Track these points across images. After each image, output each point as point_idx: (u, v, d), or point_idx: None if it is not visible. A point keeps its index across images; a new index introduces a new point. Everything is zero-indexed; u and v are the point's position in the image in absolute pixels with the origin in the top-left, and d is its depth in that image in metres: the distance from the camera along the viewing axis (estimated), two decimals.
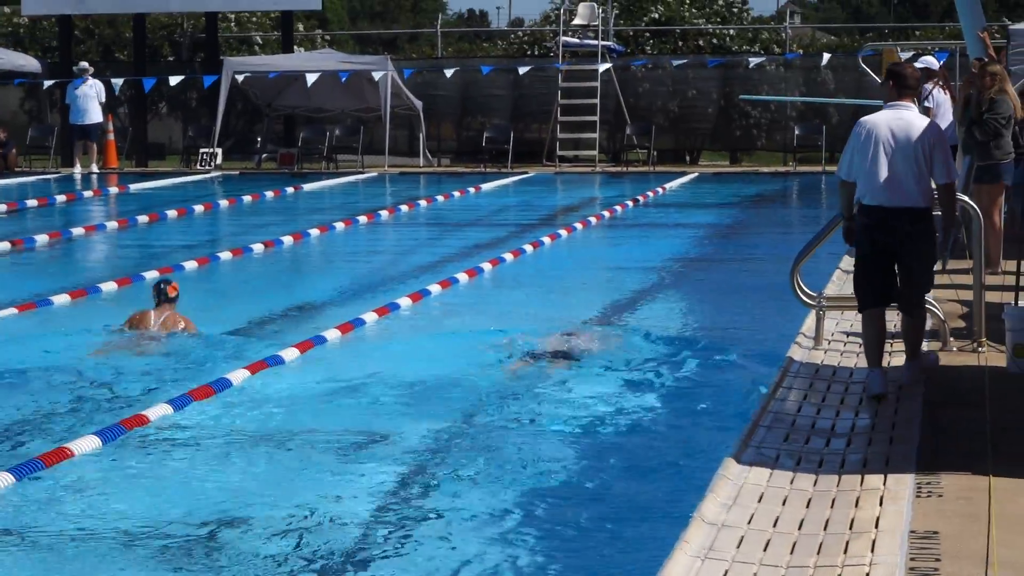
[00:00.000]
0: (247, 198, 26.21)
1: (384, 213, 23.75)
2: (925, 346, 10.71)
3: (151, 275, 15.68)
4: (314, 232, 20.82)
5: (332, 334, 12.59)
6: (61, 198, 26.79)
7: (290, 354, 11.70)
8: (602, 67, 32.58)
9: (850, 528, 7.04)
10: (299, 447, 9.18)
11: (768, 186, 29.37)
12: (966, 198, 11.48)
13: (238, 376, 10.85)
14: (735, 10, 39.11)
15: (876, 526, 7.02)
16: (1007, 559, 6.47)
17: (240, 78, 32.85)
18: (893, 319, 10.88)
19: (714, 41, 37.12)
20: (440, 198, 26.23)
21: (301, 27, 42.57)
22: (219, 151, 32.26)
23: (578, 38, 34.20)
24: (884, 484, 7.72)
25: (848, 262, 14.99)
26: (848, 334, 11.95)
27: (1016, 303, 10.72)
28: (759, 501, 7.51)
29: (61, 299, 14.64)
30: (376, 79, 32.21)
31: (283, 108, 34.69)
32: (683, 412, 10.04)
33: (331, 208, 25.59)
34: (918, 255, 9.91)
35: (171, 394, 10.32)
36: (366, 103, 33.43)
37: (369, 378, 11.01)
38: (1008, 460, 8.02)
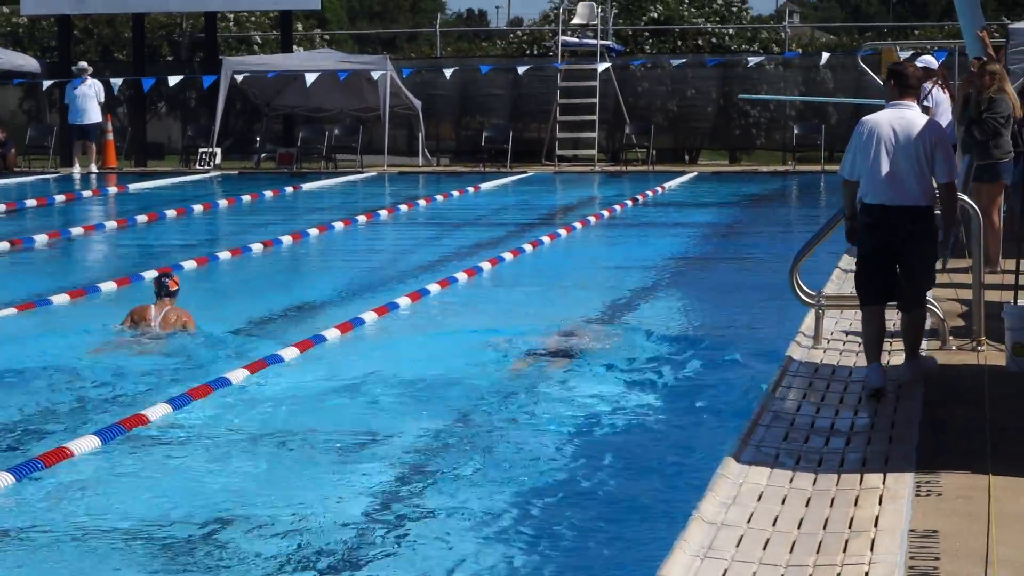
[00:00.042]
0: (246, 198, 26.21)
1: (383, 213, 23.75)
2: (925, 345, 10.71)
3: (150, 275, 15.67)
4: (313, 232, 20.82)
5: (332, 333, 12.59)
6: (60, 198, 26.78)
7: (290, 353, 11.71)
8: (601, 66, 32.57)
9: (849, 527, 7.04)
10: (299, 446, 9.18)
11: (767, 185, 29.37)
12: (965, 197, 11.48)
13: (238, 375, 10.86)
14: (734, 9, 39.11)
15: (875, 525, 7.02)
16: (1006, 558, 6.47)
17: (239, 78, 32.85)
18: (892, 318, 10.88)
19: (713, 40, 37.13)
20: (439, 198, 26.23)
21: (300, 27, 42.57)
22: (218, 151, 32.24)
23: (577, 37, 34.20)
24: (883, 483, 7.72)
25: (847, 261, 15.00)
26: (847, 333, 11.95)
27: (1015, 302, 10.71)
28: (758, 500, 7.51)
29: (60, 299, 14.64)
30: (375, 79, 32.21)
31: (282, 108, 34.69)
32: (682, 411, 10.04)
33: (330, 208, 25.60)
34: (919, 254, 9.92)
35: (171, 393, 10.32)
36: (365, 103, 33.43)
37: (368, 377, 11.01)
38: (1007, 459, 8.02)
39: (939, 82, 16.19)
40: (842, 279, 14.43)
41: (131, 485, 8.40)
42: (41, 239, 20.08)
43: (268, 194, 26.97)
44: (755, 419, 9.10)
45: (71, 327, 12.97)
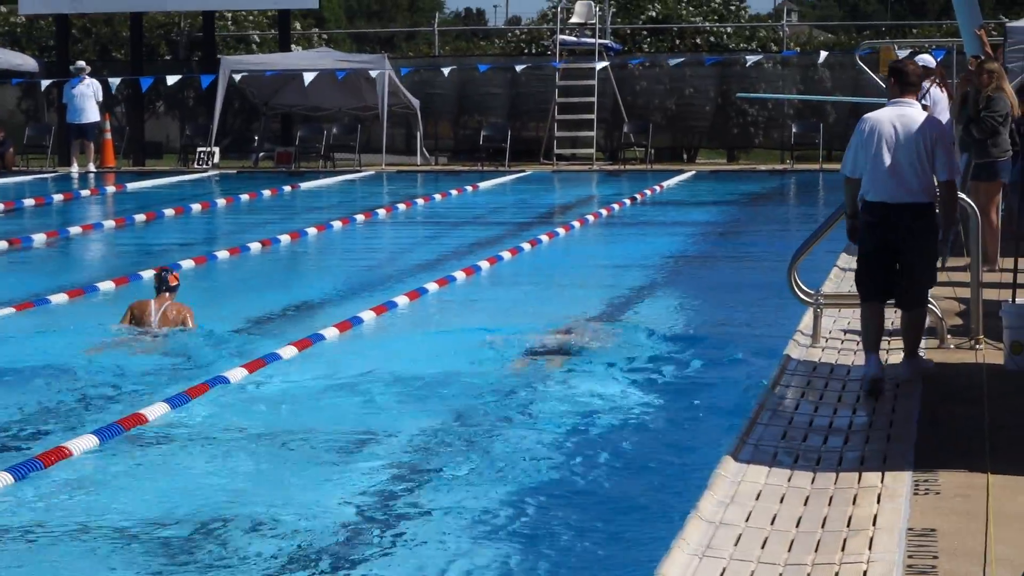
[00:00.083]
0: (244, 197, 26.20)
1: (381, 212, 23.75)
2: (923, 343, 10.71)
3: (148, 274, 15.67)
4: (312, 231, 20.82)
5: (330, 332, 12.59)
6: (58, 197, 26.77)
7: (288, 352, 11.71)
8: (599, 65, 32.57)
9: (848, 526, 7.03)
10: (297, 445, 9.18)
11: (765, 184, 29.37)
12: (964, 196, 11.48)
13: (236, 374, 10.85)
14: (732, 8, 39.11)
15: (874, 524, 7.02)
16: (1005, 556, 6.47)
17: (237, 77, 32.85)
18: (892, 317, 10.88)
19: (711, 39, 37.12)
20: (437, 196, 26.23)
21: (298, 26, 42.57)
22: (216, 150, 32.24)
23: (575, 36, 34.19)
24: (882, 481, 7.72)
25: (845, 259, 15.01)
26: (846, 331, 11.95)
27: (1013, 301, 10.72)
28: (757, 499, 7.51)
29: (59, 298, 14.63)
30: (373, 78, 32.20)
31: (280, 107, 34.68)
32: (680, 410, 10.04)
33: (328, 207, 25.61)
34: (920, 252, 9.92)
35: (169, 392, 10.32)
36: (363, 102, 33.42)
37: (367, 376, 11.01)
38: (1006, 457, 8.02)
39: (937, 81, 16.19)
40: (840, 277, 14.43)
41: (129, 484, 8.40)
42: (39, 238, 20.08)
43: (266, 193, 26.97)
44: (753, 418, 9.10)
45: (69, 326, 12.97)
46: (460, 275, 16.07)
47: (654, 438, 9.33)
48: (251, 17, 41.12)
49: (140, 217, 22.70)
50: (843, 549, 6.69)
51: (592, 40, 33.34)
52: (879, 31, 41.81)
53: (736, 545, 6.79)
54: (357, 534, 7.49)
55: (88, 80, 31.58)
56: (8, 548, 7.27)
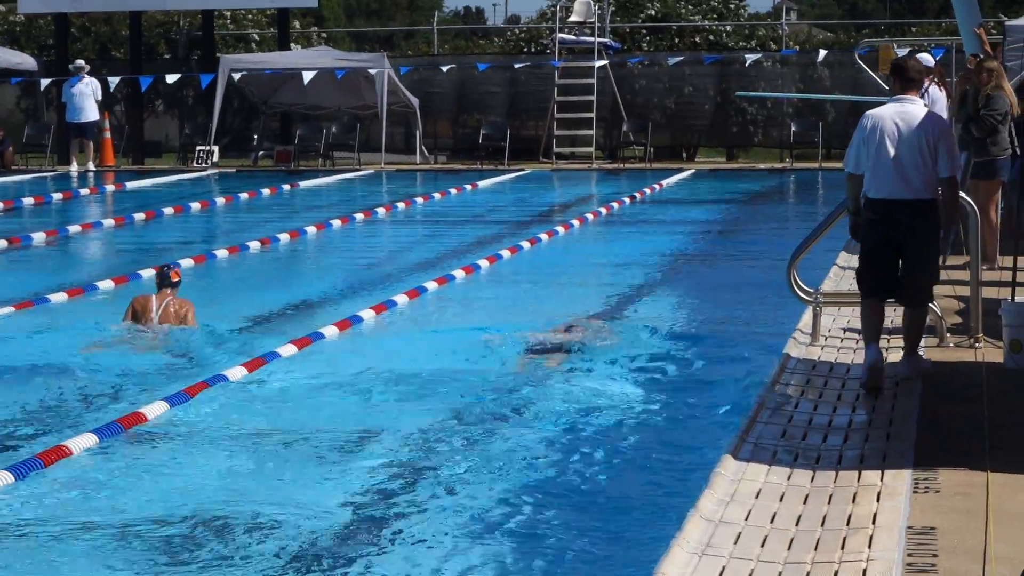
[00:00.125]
0: (244, 195, 26.20)
1: (381, 210, 23.75)
2: (923, 342, 10.71)
3: (148, 273, 15.67)
4: (311, 229, 20.82)
5: (330, 331, 12.59)
6: (58, 196, 26.77)
7: (288, 351, 11.71)
8: (598, 64, 32.56)
9: (847, 524, 7.04)
10: (297, 443, 9.18)
11: (764, 182, 29.37)
12: (963, 194, 11.48)
13: (236, 373, 10.85)
14: (731, 7, 39.11)
15: (873, 522, 7.02)
16: (1004, 554, 6.47)
17: (236, 76, 32.84)
18: (892, 315, 10.88)
19: (710, 38, 37.12)
20: (437, 195, 26.23)
21: (297, 24, 42.54)
22: (215, 149, 32.24)
23: (574, 35, 34.19)
24: (881, 480, 7.72)
25: (845, 258, 15.02)
26: (845, 330, 11.95)
27: (1013, 299, 10.72)
28: (756, 497, 7.51)
29: (58, 297, 14.63)
30: (372, 76, 32.20)
31: (279, 105, 34.68)
32: (680, 408, 10.04)
33: (328, 205, 25.60)
34: (921, 249, 9.92)
35: (168, 391, 10.32)
36: (363, 100, 33.41)
37: (367, 374, 11.01)
38: (1005, 455, 8.03)
39: (936, 79, 16.20)
40: (840, 276, 14.43)
41: (129, 483, 8.40)
42: (39, 237, 20.08)
43: (265, 192, 26.96)
44: (753, 416, 9.10)
45: (69, 325, 12.97)
46: (459, 274, 16.07)
47: (653, 436, 9.33)
48: (250, 16, 41.10)
49: (139, 216, 22.71)
50: (843, 547, 6.69)
51: (591, 39, 33.33)
52: (878, 30, 41.82)
53: (736, 543, 6.79)
54: (357, 532, 7.49)
55: (87, 79, 31.57)
56: (8, 547, 7.27)
